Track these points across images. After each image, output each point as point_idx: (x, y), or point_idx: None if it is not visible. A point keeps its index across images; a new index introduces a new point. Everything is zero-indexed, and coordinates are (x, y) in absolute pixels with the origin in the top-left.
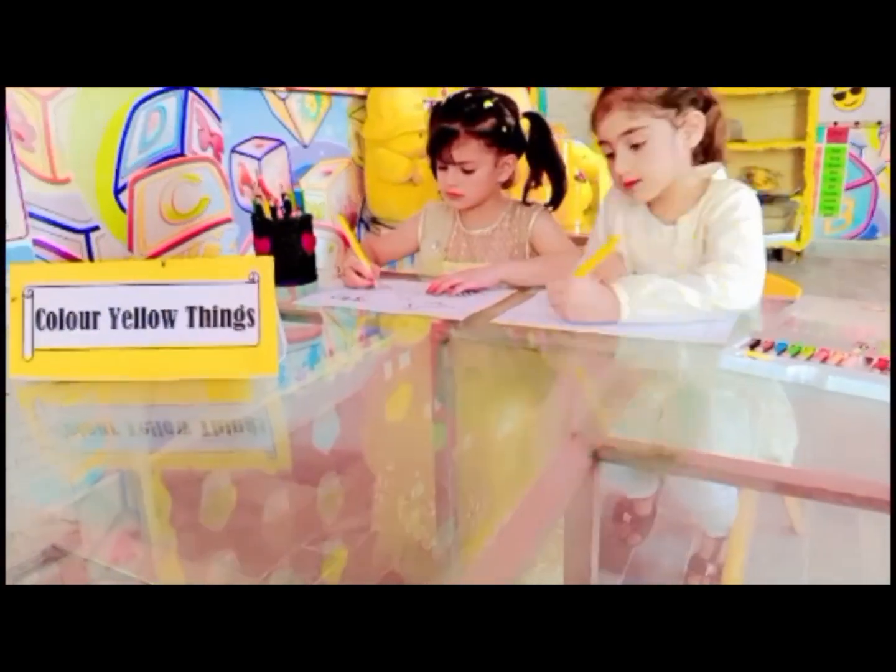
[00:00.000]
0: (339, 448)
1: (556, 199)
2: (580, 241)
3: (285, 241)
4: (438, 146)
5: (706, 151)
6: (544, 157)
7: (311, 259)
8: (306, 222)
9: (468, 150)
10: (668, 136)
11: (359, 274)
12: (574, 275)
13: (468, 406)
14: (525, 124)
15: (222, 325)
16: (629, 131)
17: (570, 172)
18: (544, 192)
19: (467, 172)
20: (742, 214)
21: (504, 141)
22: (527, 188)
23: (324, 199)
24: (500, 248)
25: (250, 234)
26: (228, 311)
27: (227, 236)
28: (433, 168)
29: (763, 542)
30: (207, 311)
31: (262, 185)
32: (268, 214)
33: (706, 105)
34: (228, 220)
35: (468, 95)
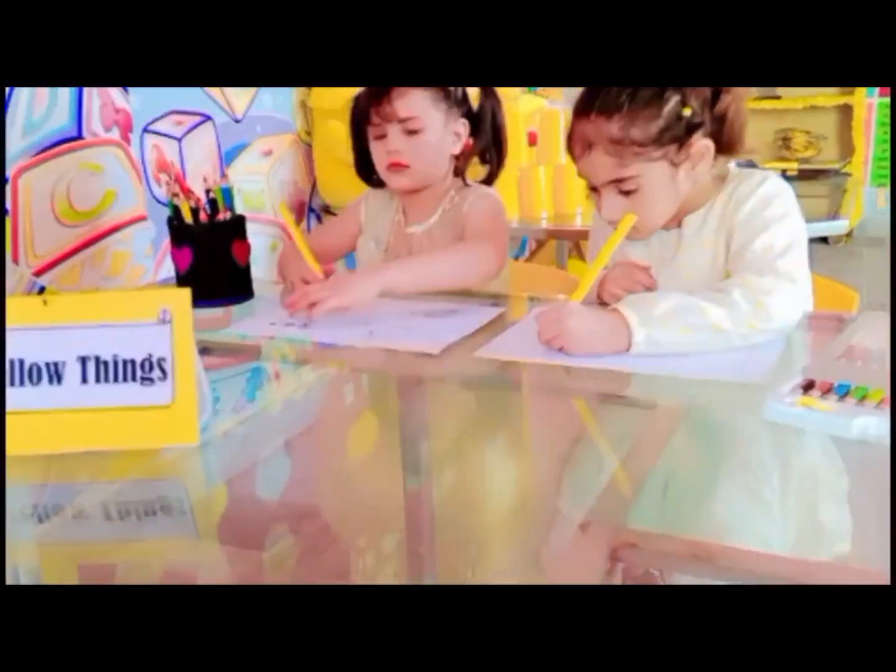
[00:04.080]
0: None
1: (494, 174)
2: (577, 235)
3: (211, 251)
4: (372, 101)
5: (717, 143)
6: (493, 132)
7: (244, 272)
8: (238, 226)
9: (412, 101)
10: (667, 177)
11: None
12: (570, 297)
13: (445, 470)
14: (472, 92)
15: (125, 379)
16: (618, 181)
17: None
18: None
19: (412, 133)
20: (776, 212)
21: (453, 98)
22: (463, 169)
23: (263, 187)
24: (441, 248)
25: None
26: (133, 362)
27: (141, 239)
28: (358, 142)
29: None
30: (105, 363)
31: (179, 180)
32: (188, 218)
33: (713, 101)
34: (142, 219)
35: None
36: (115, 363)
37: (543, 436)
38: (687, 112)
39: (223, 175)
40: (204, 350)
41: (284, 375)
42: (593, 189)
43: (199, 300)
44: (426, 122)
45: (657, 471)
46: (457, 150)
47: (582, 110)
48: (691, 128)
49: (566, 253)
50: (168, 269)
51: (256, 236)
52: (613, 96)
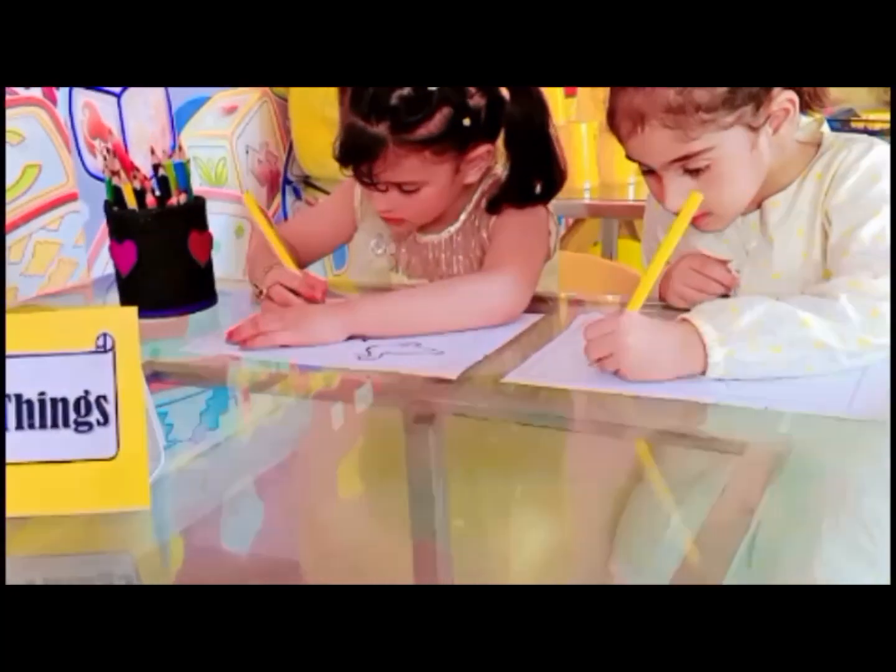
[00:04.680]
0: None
1: (547, 192)
2: (629, 211)
3: (162, 245)
4: (353, 160)
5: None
6: (531, 151)
7: (204, 272)
8: (196, 213)
9: (406, 168)
10: (745, 146)
11: (293, 293)
12: (627, 307)
13: (464, 526)
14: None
15: (54, 425)
16: (684, 157)
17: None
18: None
19: (409, 193)
20: (887, 189)
21: (467, 136)
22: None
23: (226, 154)
24: (465, 262)
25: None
26: (64, 402)
27: (71, 225)
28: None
29: None
30: (28, 403)
31: (119, 153)
32: (131, 203)
33: None
34: (72, 199)
35: None
36: (42, 404)
37: (591, 485)
38: None
39: (176, 147)
40: (153, 375)
41: (255, 405)
42: (649, 172)
43: (145, 309)
44: (426, 180)
45: (743, 532)
46: (474, 178)
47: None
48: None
49: (615, 232)
50: (106, 263)
51: (218, 217)
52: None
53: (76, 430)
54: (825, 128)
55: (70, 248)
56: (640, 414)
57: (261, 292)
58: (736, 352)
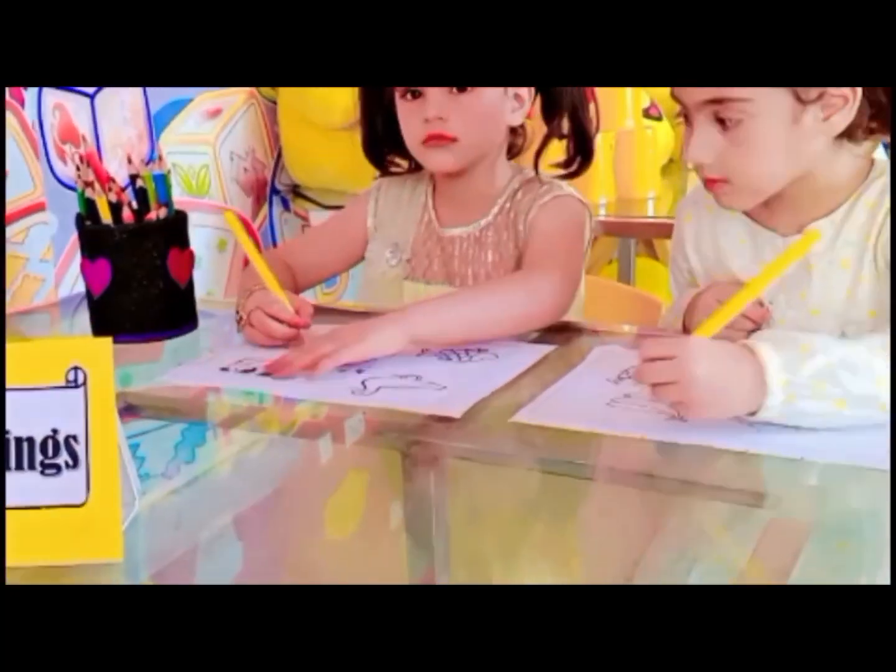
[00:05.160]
0: None
1: (575, 160)
2: (649, 230)
3: (138, 264)
4: None
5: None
6: (564, 96)
7: (184, 294)
8: (176, 230)
9: None
10: (786, 115)
11: (276, 319)
12: (696, 332)
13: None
14: None
15: (19, 467)
16: (718, 100)
17: (637, 106)
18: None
19: (459, 90)
20: None
21: None
22: (539, 154)
23: (209, 160)
24: (494, 260)
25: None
26: (31, 442)
27: (38, 238)
28: (371, 104)
29: None
30: None
31: (92, 162)
32: (105, 217)
33: None
34: (40, 209)
35: None
36: (5, 443)
37: (607, 541)
38: None
39: (156, 157)
40: (126, 409)
41: (235, 442)
42: (684, 116)
43: (119, 334)
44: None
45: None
46: (517, 119)
47: None
48: None
49: (632, 251)
50: (75, 281)
51: (199, 230)
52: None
53: (42, 472)
54: (879, 151)
55: (36, 264)
56: (662, 461)
57: (241, 318)
58: (797, 399)
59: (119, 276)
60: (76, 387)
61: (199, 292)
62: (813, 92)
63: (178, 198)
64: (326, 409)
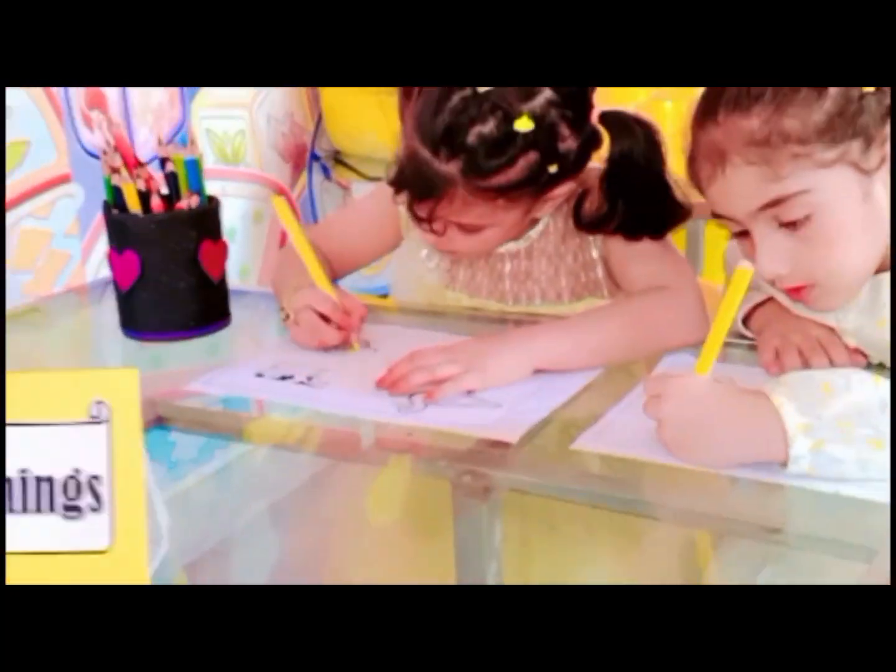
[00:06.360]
0: None
1: (660, 227)
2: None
3: (169, 257)
4: (411, 193)
5: None
6: (637, 194)
7: (217, 288)
8: (209, 220)
9: (472, 212)
10: (854, 194)
11: (325, 319)
12: (696, 369)
13: None
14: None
15: (39, 509)
16: (776, 202)
17: None
18: None
19: (470, 232)
20: None
21: (550, 180)
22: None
23: (245, 126)
24: (550, 275)
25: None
26: (51, 483)
27: (63, 211)
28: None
29: None
30: (9, 483)
31: (119, 142)
32: (133, 206)
33: None
34: (65, 181)
35: (477, 102)
36: (24, 483)
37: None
38: (869, 88)
39: (189, 142)
40: (158, 421)
41: (272, 468)
42: (741, 234)
43: (148, 332)
44: (495, 222)
45: None
46: (549, 211)
47: (704, 113)
48: (883, 112)
49: (700, 240)
50: (101, 258)
51: (233, 200)
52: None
53: (64, 515)
54: None
55: (61, 239)
56: (737, 500)
57: (287, 316)
58: (826, 444)
59: (148, 270)
60: (99, 422)
61: (233, 269)
62: (873, 159)
63: (212, 166)
64: (371, 429)
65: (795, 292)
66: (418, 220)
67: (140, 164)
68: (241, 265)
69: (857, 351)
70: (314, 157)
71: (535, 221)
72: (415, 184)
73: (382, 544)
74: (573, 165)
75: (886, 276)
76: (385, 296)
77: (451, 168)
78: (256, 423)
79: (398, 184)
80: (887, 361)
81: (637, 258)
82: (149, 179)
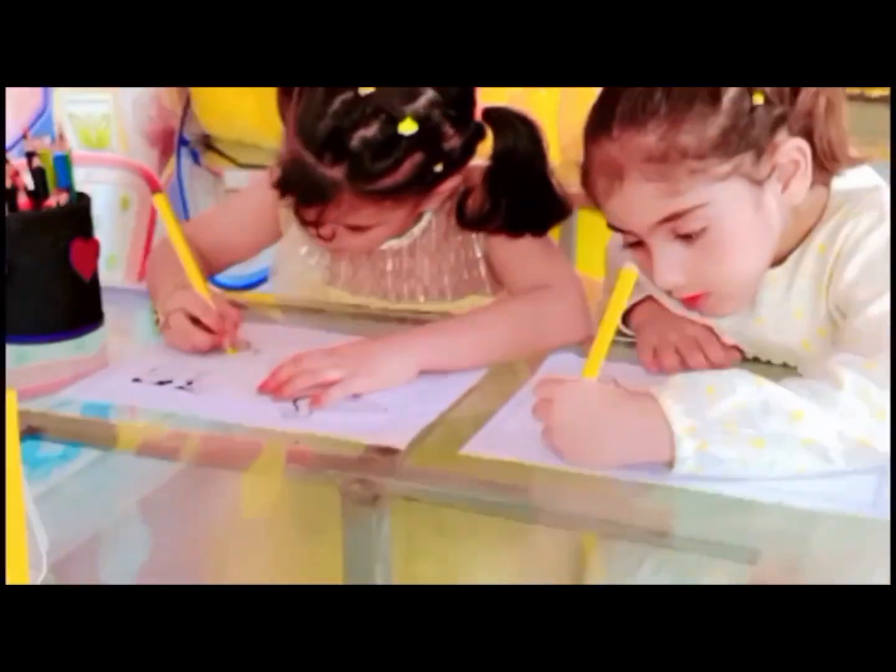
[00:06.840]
0: None
1: (540, 224)
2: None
3: (37, 258)
4: (296, 198)
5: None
6: (519, 191)
7: (89, 289)
8: (80, 218)
9: (359, 214)
10: (747, 204)
11: (202, 327)
12: (583, 372)
13: None
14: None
15: None
16: (674, 217)
17: None
18: None
19: (357, 231)
20: None
21: (437, 178)
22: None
23: (109, 109)
24: (433, 273)
25: None
26: None
27: None
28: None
29: None
30: None
31: None
32: None
33: (791, 98)
34: None
35: (360, 105)
36: None
37: None
38: (759, 100)
39: (56, 137)
40: (28, 431)
41: (145, 477)
42: (636, 245)
43: (15, 335)
44: (383, 221)
45: None
46: (436, 205)
47: (597, 128)
48: (772, 123)
49: (573, 227)
50: None
51: (99, 187)
52: (641, 96)
53: None
54: (853, 176)
55: None
56: (624, 503)
57: (158, 320)
58: (709, 445)
59: (15, 271)
60: None
61: (100, 259)
62: (763, 169)
63: (76, 151)
64: (256, 437)
65: (691, 301)
66: (305, 223)
67: (5, 161)
68: (108, 254)
69: (735, 347)
70: (183, 142)
71: (419, 217)
72: (300, 188)
73: (266, 543)
74: (459, 160)
75: (764, 275)
76: (264, 280)
77: (336, 173)
78: (133, 432)
79: (283, 188)
80: (762, 356)
81: (520, 257)
82: (14, 176)
